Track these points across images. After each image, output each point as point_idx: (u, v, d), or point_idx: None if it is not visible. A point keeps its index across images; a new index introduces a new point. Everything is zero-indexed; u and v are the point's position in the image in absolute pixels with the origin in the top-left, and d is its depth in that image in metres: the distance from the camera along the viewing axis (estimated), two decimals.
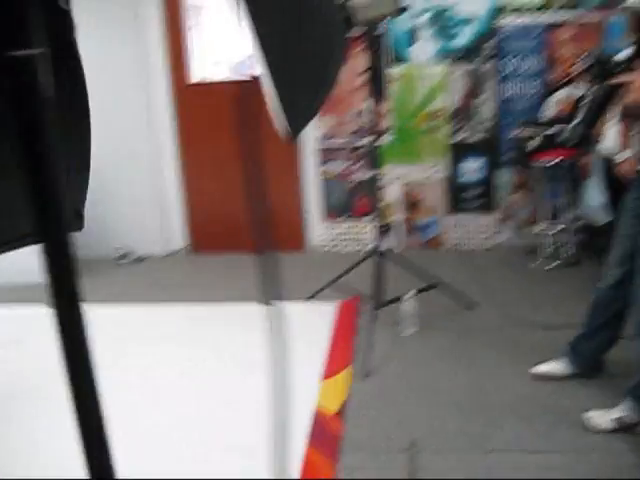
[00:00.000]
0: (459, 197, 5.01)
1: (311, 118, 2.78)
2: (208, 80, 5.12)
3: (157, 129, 5.33)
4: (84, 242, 5.44)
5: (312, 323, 3.76)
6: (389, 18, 3.51)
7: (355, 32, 3.69)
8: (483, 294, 4.01)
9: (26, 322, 4.40)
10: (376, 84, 4.88)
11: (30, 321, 4.40)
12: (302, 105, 2.70)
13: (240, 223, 5.39)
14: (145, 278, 5.02)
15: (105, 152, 5.32)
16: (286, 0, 2.65)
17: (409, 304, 3.53)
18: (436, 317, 3.73)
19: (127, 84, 5.21)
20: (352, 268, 4.00)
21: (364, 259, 3.89)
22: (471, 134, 4.86)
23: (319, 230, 5.30)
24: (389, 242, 5.14)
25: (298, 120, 2.78)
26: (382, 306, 3.54)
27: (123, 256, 5.43)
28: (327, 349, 3.39)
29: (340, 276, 4.06)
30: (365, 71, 4.06)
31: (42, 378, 3.54)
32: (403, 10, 3.35)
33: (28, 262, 5.06)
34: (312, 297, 4.06)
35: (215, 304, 4.16)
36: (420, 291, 3.67)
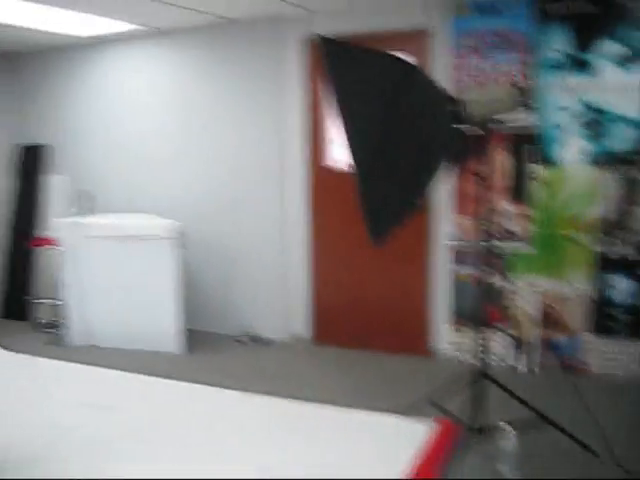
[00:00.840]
0: (604, 317, 4.40)
1: (396, 226, 2.56)
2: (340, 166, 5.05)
3: (290, 214, 5.33)
4: (211, 317, 5.57)
5: (400, 439, 3.42)
6: (508, 113, 3.24)
7: (495, 129, 3.44)
8: (615, 439, 3.38)
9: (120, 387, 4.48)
10: (518, 186, 4.52)
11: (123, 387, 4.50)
12: (387, 213, 2.51)
13: (367, 319, 5.17)
14: (263, 362, 4.94)
15: (239, 233, 5.46)
16: (381, 113, 2.51)
17: (509, 439, 3.06)
18: (546, 461, 3.18)
19: (264, 158, 5.31)
20: (457, 384, 3.61)
21: (476, 378, 3.48)
22: (622, 248, 4.29)
23: (444, 335, 4.91)
24: (517, 359, 4.63)
25: (381, 227, 2.58)
26: (480, 434, 3.12)
27: (245, 336, 5.41)
28: (409, 474, 3.02)
29: (441, 391, 3.69)
30: (506, 171, 3.77)
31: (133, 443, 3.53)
32: (523, 105, 3.07)
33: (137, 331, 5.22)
34: (411, 408, 3.73)
35: (340, 410, 3.93)
36: (530, 425, 3.19)
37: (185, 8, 4.73)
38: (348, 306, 5.24)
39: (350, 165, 2.66)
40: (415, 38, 4.73)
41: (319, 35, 2.62)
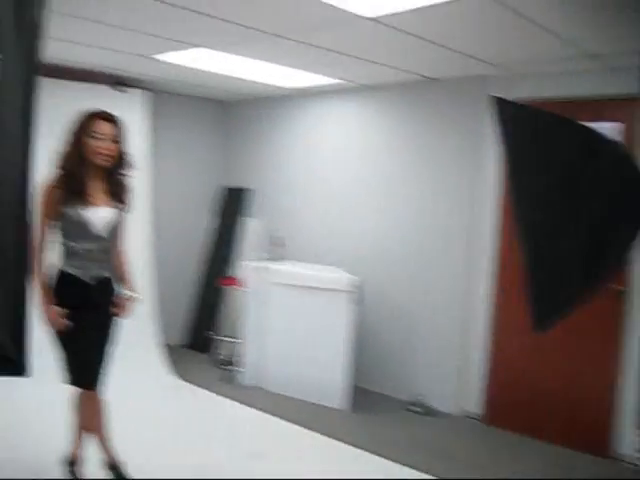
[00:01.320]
0: None
1: (566, 313, 2.22)
2: None
3: (474, 287, 5.05)
4: (380, 377, 5.39)
5: None
6: None
7: None
8: None
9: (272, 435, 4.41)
10: None
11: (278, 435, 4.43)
12: (558, 297, 2.19)
13: (545, 406, 4.71)
14: (429, 435, 4.67)
15: (420, 298, 5.26)
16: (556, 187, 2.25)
17: None
18: None
19: (453, 226, 5.11)
20: None
21: None
22: None
23: (630, 439, 4.29)
24: None
25: (549, 313, 2.24)
26: None
27: (414, 404, 5.15)
28: None
29: None
30: None
31: None
32: None
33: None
34: None
35: None
36: None
37: (386, 66, 4.74)
38: (525, 389, 4.79)
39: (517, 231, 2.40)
40: (623, 106, 4.31)
41: (493, 97, 2.41)
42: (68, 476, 3.43)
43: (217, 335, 6.30)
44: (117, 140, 3.22)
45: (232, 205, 6.83)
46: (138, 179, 5.63)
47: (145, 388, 5.07)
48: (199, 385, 5.39)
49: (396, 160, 5.51)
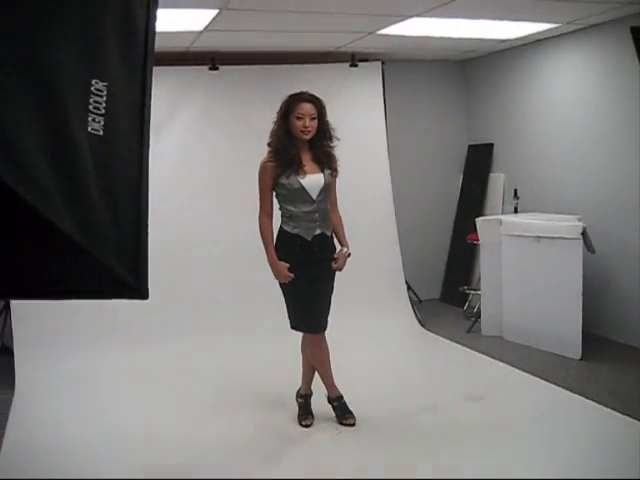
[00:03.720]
0: None
1: None
2: None
3: None
4: (611, 322, 5.12)
5: None
6: None
7: None
8: None
9: None
10: None
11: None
12: None
13: None
14: None
15: None
16: None
17: None
18: None
19: None
20: None
21: None
22: None
23: None
24: None
25: None
26: None
27: None
28: None
29: None
30: None
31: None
32: None
33: None
34: None
35: None
36: None
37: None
38: None
39: None
40: None
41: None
42: (302, 407, 4.05)
43: (469, 289, 6.50)
44: (316, 117, 3.69)
45: (476, 162, 6.92)
46: (377, 144, 6.18)
47: (390, 337, 5.55)
48: (443, 335, 5.70)
49: (631, 104, 5.10)
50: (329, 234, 3.84)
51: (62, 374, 4.77)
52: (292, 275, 3.70)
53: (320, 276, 3.80)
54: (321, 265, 3.80)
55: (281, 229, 3.80)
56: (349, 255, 3.89)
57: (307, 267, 3.72)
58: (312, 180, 3.71)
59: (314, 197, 3.72)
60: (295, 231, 3.75)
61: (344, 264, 3.88)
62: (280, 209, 3.80)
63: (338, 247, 3.91)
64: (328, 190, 3.80)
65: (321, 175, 3.74)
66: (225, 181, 5.69)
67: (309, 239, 3.74)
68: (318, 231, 3.75)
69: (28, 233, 1.40)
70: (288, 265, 3.70)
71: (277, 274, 3.75)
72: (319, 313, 3.84)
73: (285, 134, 3.71)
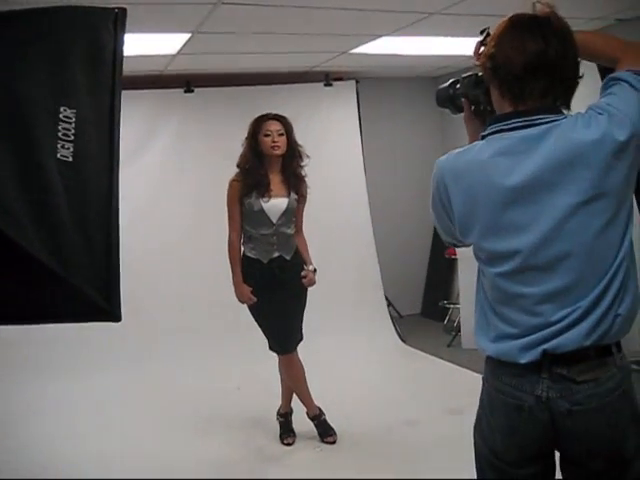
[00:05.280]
0: None
1: None
2: None
3: None
4: None
5: None
6: None
7: None
8: None
9: None
10: None
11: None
12: None
13: None
14: None
15: None
16: None
17: None
18: None
19: None
20: None
21: None
22: None
23: None
24: None
25: None
26: None
27: None
28: None
29: None
30: None
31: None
32: None
33: None
34: None
35: None
36: None
37: None
38: None
39: None
40: None
41: None
42: (282, 426, 4.05)
43: (449, 303, 6.55)
44: (284, 133, 3.73)
45: None
46: (353, 162, 6.24)
47: (371, 353, 5.58)
48: (424, 350, 5.74)
49: None
50: (288, 258, 3.82)
51: (39, 400, 4.73)
52: (254, 298, 3.73)
53: (283, 299, 3.79)
54: (284, 288, 3.78)
55: (243, 253, 3.83)
56: (315, 270, 3.89)
57: (269, 290, 3.75)
58: (275, 204, 3.73)
59: (274, 221, 3.74)
60: (253, 253, 3.79)
61: (314, 278, 3.87)
62: (241, 229, 3.82)
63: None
64: (291, 214, 3.81)
65: (285, 200, 3.76)
66: (201, 201, 5.71)
67: (265, 262, 3.77)
68: (276, 254, 3.77)
69: (1, 260, 1.42)
70: (251, 289, 3.73)
71: (239, 296, 3.77)
72: (286, 334, 3.85)
73: (254, 155, 3.75)
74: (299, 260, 3.86)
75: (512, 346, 1.68)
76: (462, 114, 1.97)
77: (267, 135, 3.70)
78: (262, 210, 3.71)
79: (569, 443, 1.69)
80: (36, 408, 4.63)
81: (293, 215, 3.83)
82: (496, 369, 1.74)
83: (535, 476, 1.75)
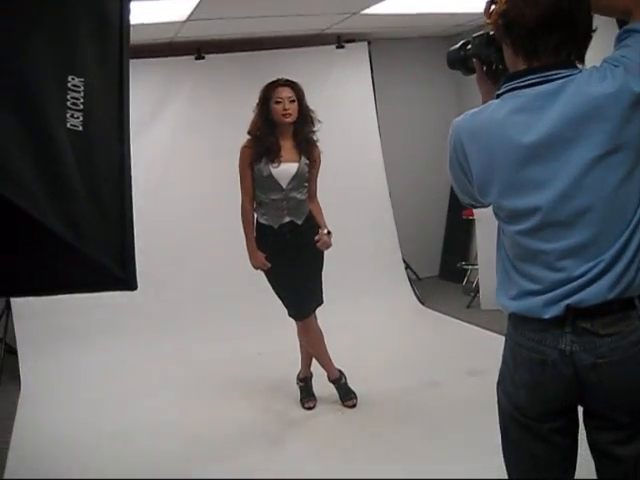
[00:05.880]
0: None
1: None
2: None
3: None
4: None
5: None
6: None
7: None
8: None
9: None
10: None
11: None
12: None
13: None
14: None
15: None
16: None
17: None
18: None
19: None
20: None
21: None
22: None
23: None
24: None
25: None
26: None
27: None
28: None
29: None
30: None
31: None
32: None
33: None
34: None
35: None
36: None
37: None
38: None
39: None
40: None
41: None
42: (303, 390, 4.08)
43: (467, 264, 6.53)
44: (295, 100, 3.69)
45: None
46: (367, 124, 6.17)
47: (390, 316, 5.59)
48: (443, 312, 5.74)
49: None
50: (300, 222, 3.80)
51: (66, 370, 4.81)
52: (268, 264, 3.73)
53: (296, 264, 3.78)
54: (297, 253, 3.78)
55: (256, 219, 3.83)
56: (329, 233, 3.86)
57: (282, 256, 3.75)
58: (284, 169, 3.71)
59: (284, 186, 3.72)
60: (264, 219, 3.78)
61: (328, 241, 3.83)
62: (254, 195, 3.81)
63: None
64: (302, 179, 3.78)
65: (295, 164, 3.74)
66: (214, 168, 5.67)
67: (276, 227, 3.76)
68: (287, 219, 3.76)
69: (15, 233, 1.42)
70: (265, 255, 3.73)
71: (253, 262, 3.78)
72: (301, 299, 3.85)
73: (265, 121, 3.72)
74: (312, 224, 3.84)
75: (535, 302, 1.67)
76: (474, 75, 1.93)
77: (278, 102, 3.67)
78: (271, 175, 3.69)
79: (593, 397, 1.69)
80: (59, 381, 4.71)
81: (304, 180, 3.81)
82: (519, 325, 1.74)
83: (559, 430, 1.75)
